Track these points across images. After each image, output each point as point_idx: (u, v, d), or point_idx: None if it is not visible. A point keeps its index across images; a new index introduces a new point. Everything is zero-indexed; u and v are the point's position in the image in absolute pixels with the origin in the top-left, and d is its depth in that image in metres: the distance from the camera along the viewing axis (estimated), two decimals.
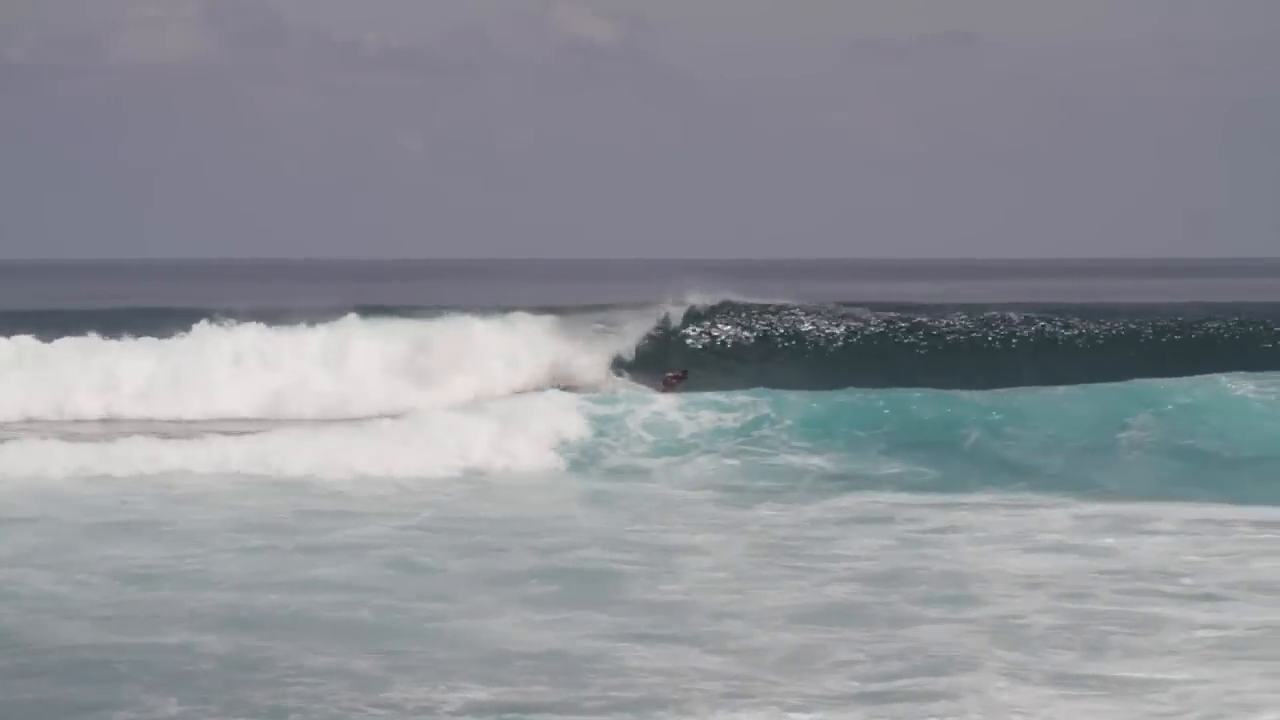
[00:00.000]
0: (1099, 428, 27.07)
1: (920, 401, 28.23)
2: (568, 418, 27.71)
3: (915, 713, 12.92)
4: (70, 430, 29.89)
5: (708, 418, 27.89)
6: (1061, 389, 28.65)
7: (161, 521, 21.54)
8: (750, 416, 27.90)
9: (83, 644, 14.99)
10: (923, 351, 36.62)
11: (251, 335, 34.80)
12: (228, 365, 34.22)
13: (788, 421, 27.66)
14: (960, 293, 69.86)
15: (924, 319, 37.59)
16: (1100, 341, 37.03)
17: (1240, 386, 28.14)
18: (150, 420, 31.80)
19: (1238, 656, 14.44)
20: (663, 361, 34.98)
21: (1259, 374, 28.87)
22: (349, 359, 34.46)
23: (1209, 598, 16.79)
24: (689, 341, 36.58)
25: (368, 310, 36.38)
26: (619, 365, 34.87)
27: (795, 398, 28.50)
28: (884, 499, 23.93)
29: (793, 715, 12.90)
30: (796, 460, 26.58)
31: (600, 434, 27.56)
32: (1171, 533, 20.82)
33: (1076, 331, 37.27)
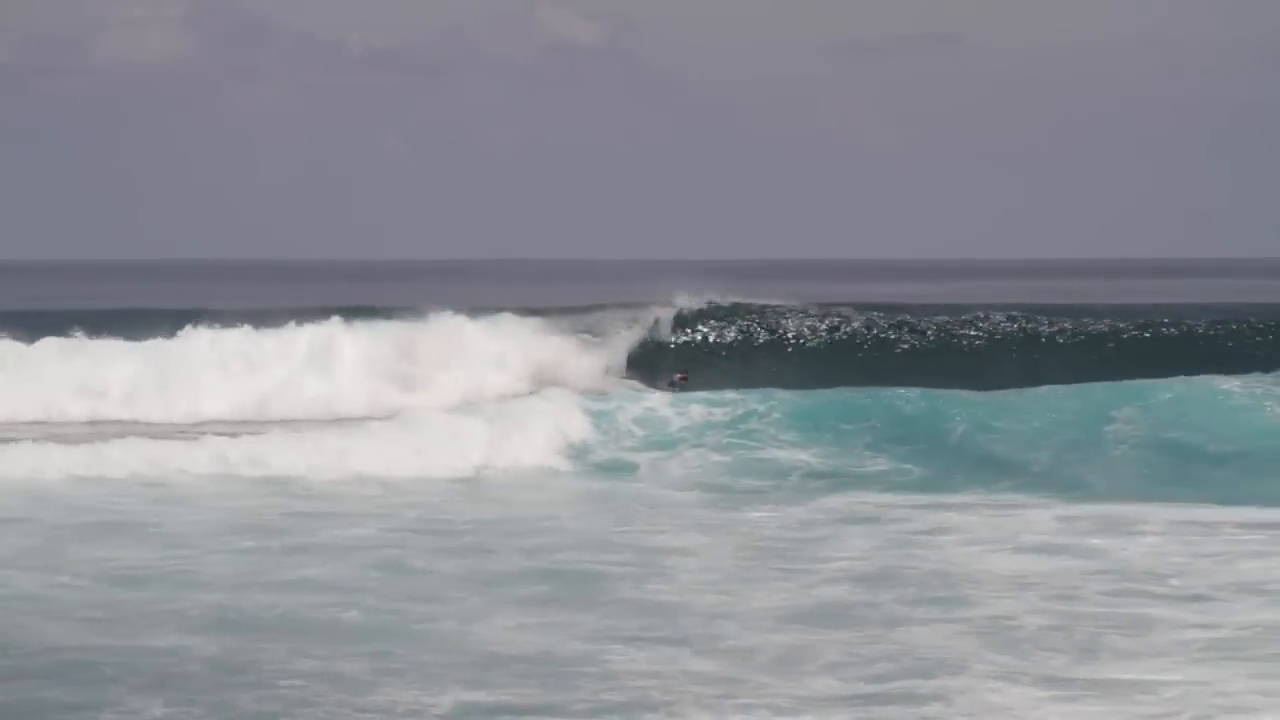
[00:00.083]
0: (1084, 428, 27.08)
1: (906, 400, 28.24)
2: (562, 418, 27.68)
3: (906, 715, 12.91)
4: (55, 432, 29.82)
5: (698, 411, 27.92)
6: (1046, 388, 28.69)
7: (150, 523, 21.49)
8: (740, 411, 27.95)
9: (69, 645, 14.95)
10: (909, 351, 36.64)
11: (237, 337, 34.73)
12: (214, 367, 34.13)
13: (775, 416, 27.67)
14: (946, 293, 69.98)
15: (910, 319, 37.64)
16: (1086, 342, 37.10)
17: (1224, 386, 28.16)
18: (135, 422, 31.71)
19: (1227, 657, 14.45)
20: (652, 363, 35.00)
21: (1242, 375, 28.91)
22: (335, 361, 34.40)
23: (1198, 599, 16.80)
24: (677, 343, 36.60)
25: (353, 311, 36.33)
26: (608, 367, 34.87)
27: (784, 394, 28.52)
28: (871, 499, 23.95)
29: (782, 718, 12.89)
30: (784, 455, 26.61)
31: (594, 434, 27.53)
32: (1158, 533, 20.84)
33: (1060, 330, 37.34)
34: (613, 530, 21.15)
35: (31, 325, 35.74)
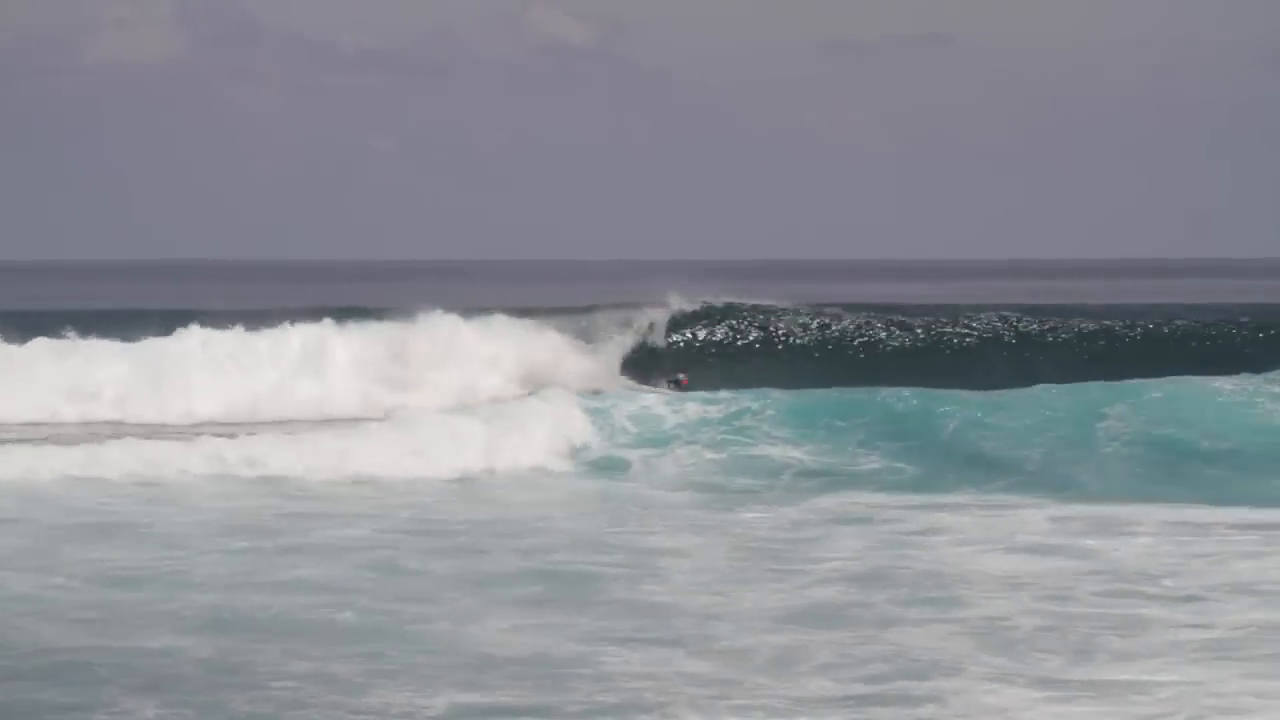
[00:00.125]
0: (1077, 427, 27.08)
1: (899, 399, 28.23)
2: (561, 419, 27.63)
3: (900, 716, 12.91)
4: (48, 433, 29.78)
5: (693, 409, 27.93)
6: (1039, 388, 28.68)
7: (144, 523, 21.46)
8: (734, 408, 27.96)
9: (63, 646, 14.93)
10: (902, 350, 36.65)
11: (229, 338, 34.69)
12: (206, 368, 34.09)
13: (769, 414, 27.67)
14: (941, 294, 69.99)
15: (903, 318, 37.68)
16: (1078, 341, 37.13)
17: (1216, 385, 28.17)
18: (127, 423, 31.66)
19: (1221, 658, 14.46)
20: (646, 364, 35.00)
21: (1234, 375, 28.93)
22: (327, 362, 34.36)
23: (1191, 599, 16.81)
24: (671, 343, 36.59)
25: (345, 312, 36.29)
26: (603, 368, 34.85)
27: (778, 394, 28.53)
28: (864, 499, 23.96)
29: (776, 719, 12.88)
30: (777, 453, 26.62)
31: (593, 434, 27.50)
32: (1152, 534, 20.85)
33: (1053, 329, 37.36)
34: (607, 531, 21.14)
35: (23, 326, 35.68)
